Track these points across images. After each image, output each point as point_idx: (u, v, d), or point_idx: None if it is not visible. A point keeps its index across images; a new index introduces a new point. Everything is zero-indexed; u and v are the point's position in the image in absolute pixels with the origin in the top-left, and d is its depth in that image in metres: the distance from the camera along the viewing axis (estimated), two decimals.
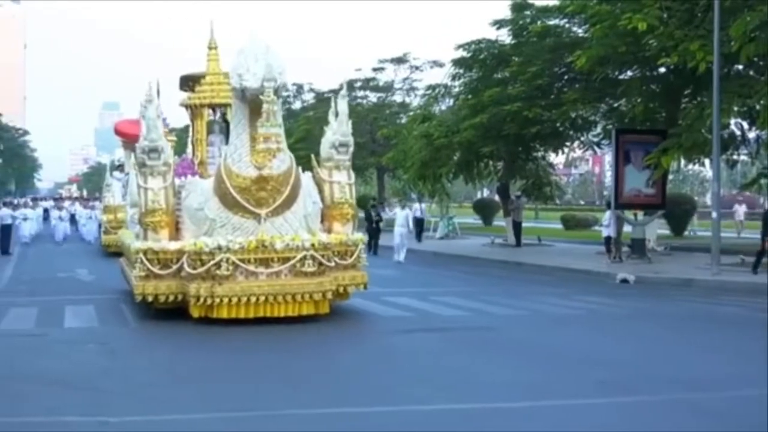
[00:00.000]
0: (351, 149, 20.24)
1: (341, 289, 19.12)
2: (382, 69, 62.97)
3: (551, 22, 35.88)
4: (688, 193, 78.07)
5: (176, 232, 18.72)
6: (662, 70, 31.62)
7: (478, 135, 36.36)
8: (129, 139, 38.77)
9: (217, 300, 17.46)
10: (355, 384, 12.36)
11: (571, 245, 41.91)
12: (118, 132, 41.71)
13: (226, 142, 20.77)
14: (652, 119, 33.99)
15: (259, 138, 17.07)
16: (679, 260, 31.66)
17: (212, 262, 17.57)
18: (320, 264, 18.12)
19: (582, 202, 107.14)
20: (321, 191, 19.73)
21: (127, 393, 11.86)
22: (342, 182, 19.94)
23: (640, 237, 32.52)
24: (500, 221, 48.87)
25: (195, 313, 17.67)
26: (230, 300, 17.46)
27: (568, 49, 33.04)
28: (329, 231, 19.36)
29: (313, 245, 18.01)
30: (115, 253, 32.26)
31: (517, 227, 41.95)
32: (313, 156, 20.74)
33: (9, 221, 41.82)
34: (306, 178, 19.21)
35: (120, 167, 44.21)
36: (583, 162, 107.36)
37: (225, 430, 10.16)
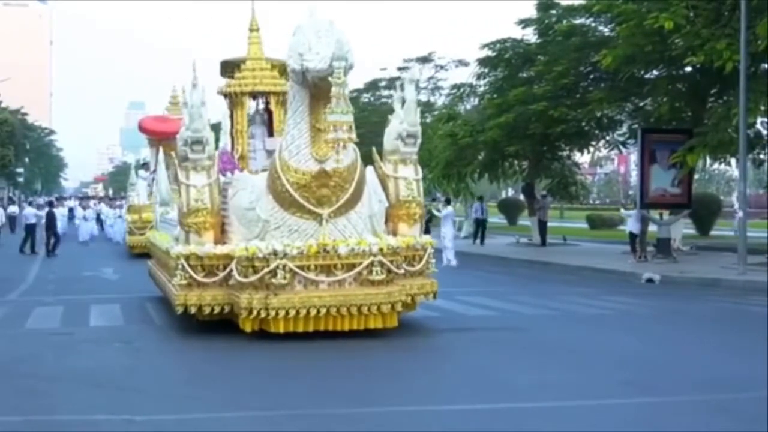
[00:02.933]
0: (419, 141, 17.90)
1: (409, 299, 16.85)
2: (407, 68, 62.91)
3: (577, 21, 35.92)
4: (714, 192, 77.60)
5: (221, 235, 16.67)
6: (688, 69, 31.62)
7: (503, 134, 36.34)
8: (154, 136, 38.83)
9: (273, 313, 15.29)
10: (384, 383, 12.37)
11: (596, 245, 41.80)
12: (142, 128, 40.87)
13: (269, 134, 20.02)
14: (678, 118, 33.85)
15: (328, 127, 14.86)
16: (705, 260, 31.51)
17: (266, 270, 15.45)
18: (389, 271, 16.01)
19: (607, 201, 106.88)
20: (385, 188, 17.42)
21: (153, 392, 11.90)
22: (409, 178, 17.62)
23: (666, 236, 32.35)
24: (525, 221, 48.84)
25: (246, 327, 15.56)
26: (287, 313, 15.33)
27: (594, 48, 33.04)
28: (394, 233, 17.21)
29: (381, 250, 15.92)
30: (140, 254, 32.33)
31: (542, 227, 41.84)
32: (374, 149, 18.53)
33: (33, 220, 41.73)
34: (370, 173, 17.24)
35: (145, 165, 43.17)
36: (608, 161, 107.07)
37: (250, 430, 10.16)
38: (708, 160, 38.21)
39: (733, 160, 36.51)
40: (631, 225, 32.98)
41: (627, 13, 29.47)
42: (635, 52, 29.23)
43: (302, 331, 15.43)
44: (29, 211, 43.48)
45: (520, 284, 25.95)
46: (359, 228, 16.19)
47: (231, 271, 15.92)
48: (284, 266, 15.46)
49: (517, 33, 38.94)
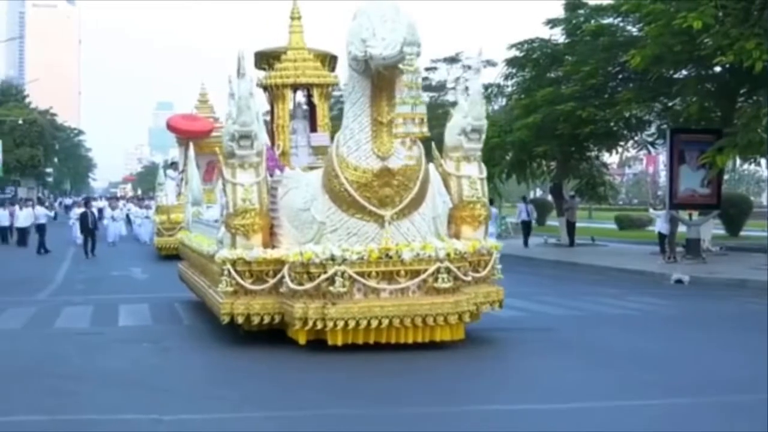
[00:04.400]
0: (484, 136, 16.63)
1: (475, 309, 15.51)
2: (434, 68, 62.83)
3: (605, 21, 35.84)
4: (744, 193, 77.14)
5: (269, 238, 15.32)
6: (718, 69, 31.50)
7: (532, 135, 36.28)
8: (182, 135, 38.34)
9: (330, 324, 14.02)
10: (417, 384, 12.31)
11: (625, 245, 41.64)
12: (171, 127, 40.12)
13: (311, 128, 19.23)
14: (707, 118, 33.63)
15: (396, 119, 13.76)
16: (735, 261, 31.32)
17: (323, 277, 14.20)
18: (455, 278, 14.68)
19: (635, 202, 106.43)
20: (446, 188, 16.12)
21: (181, 391, 11.96)
22: (473, 176, 16.30)
23: (695, 237, 32.21)
24: (553, 221, 48.72)
25: (300, 338, 14.38)
26: (346, 324, 14.03)
27: (622, 48, 32.93)
28: (456, 236, 15.81)
29: (448, 255, 14.57)
30: (168, 256, 32.38)
31: (570, 227, 41.72)
32: (433, 145, 17.03)
33: (43, 220, 41.67)
34: (433, 171, 15.80)
35: (174, 165, 42.42)
36: (636, 162, 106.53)
37: (277, 430, 10.19)
38: (737, 161, 38.00)
39: (763, 161, 36.39)
40: (660, 226, 32.93)
41: (656, 12, 29.35)
42: (664, 52, 29.05)
43: (362, 342, 14.24)
44: (40, 211, 43.46)
45: (548, 285, 25.89)
46: (423, 231, 14.86)
47: (282, 277, 14.67)
48: (343, 273, 14.18)
49: (545, 33, 38.89)
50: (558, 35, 38.30)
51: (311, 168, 16.18)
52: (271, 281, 14.86)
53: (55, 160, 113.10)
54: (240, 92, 15.17)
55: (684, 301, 21.55)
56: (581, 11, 37.39)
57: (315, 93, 19.28)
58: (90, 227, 37.22)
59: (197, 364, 14.07)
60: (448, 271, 14.51)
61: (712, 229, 38.18)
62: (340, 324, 14.01)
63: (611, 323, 17.91)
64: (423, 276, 14.43)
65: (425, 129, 13.75)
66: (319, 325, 14.10)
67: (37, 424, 10.19)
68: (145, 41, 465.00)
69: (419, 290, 14.50)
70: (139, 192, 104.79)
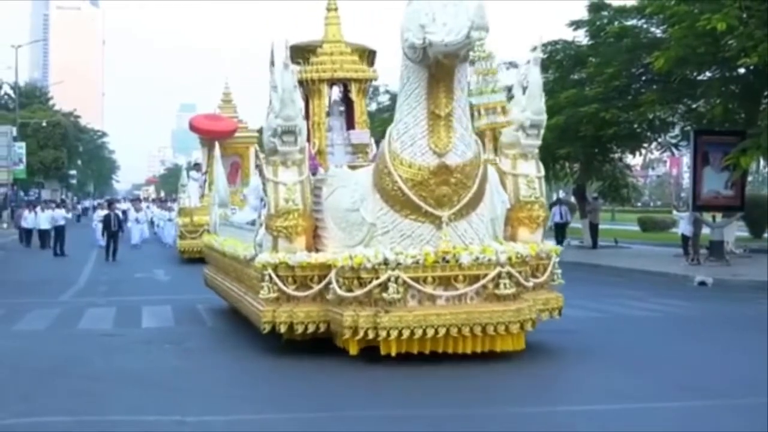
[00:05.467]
0: (542, 132, 15.72)
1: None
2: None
3: (629, 23, 35.72)
4: None
5: (312, 241, 14.35)
6: (742, 70, 31.26)
7: (555, 136, 36.03)
8: (206, 135, 37.70)
9: (383, 333, 13.05)
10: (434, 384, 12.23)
11: (648, 247, 41.53)
12: (194, 128, 38.92)
13: (348, 126, 18.48)
14: (731, 120, 33.55)
15: (479, 109, 13.08)
16: (759, 263, 31.00)
17: (376, 282, 13.22)
18: (517, 284, 13.74)
19: (659, 204, 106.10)
20: (502, 187, 15.12)
21: (204, 392, 11.94)
22: (530, 175, 15.39)
23: (719, 239, 32.05)
24: (576, 223, 48.64)
25: (351, 349, 13.41)
26: (400, 333, 13.05)
27: (646, 49, 32.86)
28: (512, 239, 14.85)
29: (510, 259, 13.63)
30: (191, 259, 32.30)
31: (593, 229, 41.60)
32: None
33: (62, 222, 41.42)
34: (491, 169, 14.71)
35: (197, 166, 41.78)
36: (660, 164, 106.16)
37: (299, 431, 10.20)
38: (762, 162, 37.84)
39: None
40: (684, 227, 32.81)
41: (679, 14, 29.29)
42: (688, 53, 28.98)
43: (417, 352, 13.29)
44: (59, 212, 43.21)
45: (571, 286, 25.56)
46: (481, 233, 13.85)
47: (329, 283, 13.70)
48: (397, 278, 13.18)
49: (568, 35, 38.79)
50: (581, 37, 38.21)
51: (352, 167, 15.37)
52: (316, 287, 13.90)
53: (79, 162, 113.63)
54: (284, 84, 14.16)
55: (707, 303, 21.47)
56: (605, 13, 37.27)
57: (353, 88, 18.33)
58: (113, 230, 36.78)
59: (220, 365, 13.99)
60: (510, 276, 13.57)
61: (735, 231, 38.00)
62: (394, 333, 13.05)
63: (635, 325, 17.82)
64: (483, 281, 13.47)
65: (510, 117, 13.20)
66: (371, 335, 13.15)
67: (60, 425, 10.18)
68: (168, 42, 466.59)
69: (478, 297, 13.55)
70: (162, 194, 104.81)
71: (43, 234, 43.78)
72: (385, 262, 13.24)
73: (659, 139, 40.52)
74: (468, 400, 11.24)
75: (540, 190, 15.42)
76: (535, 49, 16.52)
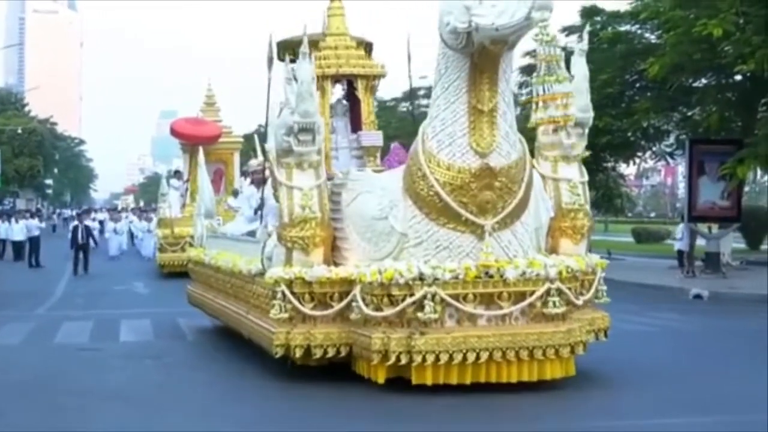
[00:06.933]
0: (586, 132, 14.18)
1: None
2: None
3: (622, 28, 35.65)
4: (765, 205, 76.67)
5: (330, 253, 12.90)
6: (738, 77, 31.34)
7: None
8: (187, 141, 35.78)
9: (418, 357, 11.63)
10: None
11: (642, 259, 41.59)
12: (175, 132, 36.63)
13: (354, 128, 17.15)
14: (727, 128, 33.54)
15: (538, 100, 11.52)
16: (755, 275, 30.90)
17: (410, 300, 11.77)
18: (566, 302, 12.37)
19: (653, 215, 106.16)
20: None
21: (185, 408, 11.73)
22: (573, 180, 13.76)
23: (715, 251, 31.83)
24: None
25: (379, 376, 12.00)
26: (437, 357, 11.62)
27: (640, 56, 32.78)
28: (553, 251, 13.32)
29: (560, 274, 12.20)
30: (172, 273, 31.04)
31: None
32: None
33: (36, 233, 40.67)
34: (535, 172, 13.14)
35: (177, 174, 38.93)
36: (654, 173, 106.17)
37: None
38: (759, 172, 37.59)
39: None
40: (680, 245, 32.61)
41: (675, 19, 29.10)
42: (683, 60, 28.86)
43: (457, 383, 11.83)
44: (33, 222, 42.51)
45: None
46: (525, 245, 12.40)
47: (352, 301, 12.29)
48: (434, 295, 11.73)
49: (561, 40, 38.43)
50: (574, 42, 37.85)
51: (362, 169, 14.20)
52: (337, 306, 12.46)
53: (55, 170, 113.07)
54: (302, 76, 12.83)
55: (705, 317, 21.36)
56: (597, 18, 36.99)
57: (359, 85, 16.90)
58: (81, 242, 35.08)
59: (201, 380, 13.67)
60: (560, 293, 12.16)
61: (731, 242, 37.93)
62: (431, 358, 11.62)
63: (631, 340, 17.29)
64: (530, 299, 12.02)
65: (572, 112, 11.85)
66: (404, 360, 11.72)
67: None
68: (147, 48, 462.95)
69: (523, 316, 12.11)
70: (141, 204, 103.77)
71: (18, 245, 42.51)
72: (421, 277, 11.79)
73: (654, 148, 40.53)
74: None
75: (584, 197, 13.89)
76: (580, 39, 15.22)
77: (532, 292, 11.99)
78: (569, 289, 12.36)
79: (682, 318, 20.90)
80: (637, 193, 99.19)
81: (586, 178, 14.19)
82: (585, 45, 14.36)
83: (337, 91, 17.70)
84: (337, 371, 12.66)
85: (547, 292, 12.02)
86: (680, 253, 32.42)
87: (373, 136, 17.00)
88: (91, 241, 36.32)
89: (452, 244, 11.99)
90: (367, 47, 17.88)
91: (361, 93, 16.94)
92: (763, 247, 47.67)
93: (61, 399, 12.12)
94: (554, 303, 12.02)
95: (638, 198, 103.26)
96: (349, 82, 17.18)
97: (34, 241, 40.03)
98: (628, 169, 55.28)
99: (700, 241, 33.12)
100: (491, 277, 11.87)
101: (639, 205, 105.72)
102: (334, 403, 11.78)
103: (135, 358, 15.31)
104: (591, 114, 14.04)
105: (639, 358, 15.25)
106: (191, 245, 22.22)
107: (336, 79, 16.94)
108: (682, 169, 54.80)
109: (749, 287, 27.11)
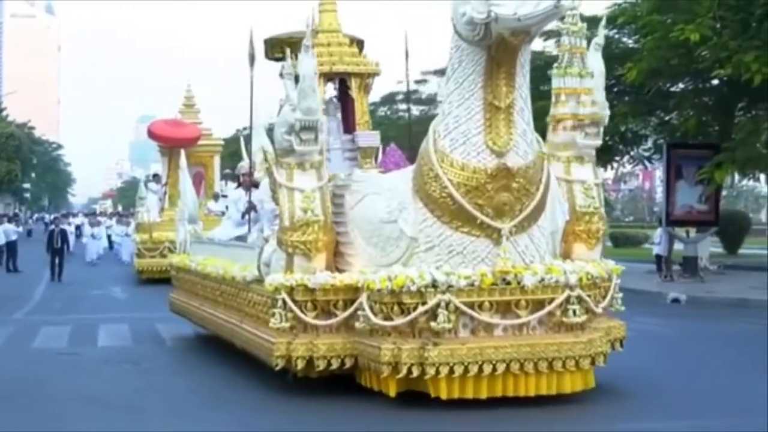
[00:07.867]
0: (601, 129, 13.22)
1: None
2: (425, 81, 62.28)
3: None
4: (743, 209, 76.99)
5: (332, 259, 12.32)
6: (716, 82, 31.30)
7: None
8: (166, 143, 35.23)
9: (431, 370, 10.91)
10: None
11: (620, 263, 41.10)
12: (153, 134, 35.82)
13: (347, 128, 16.50)
14: (705, 133, 33.45)
15: (559, 94, 11.41)
16: (733, 279, 31.00)
17: (422, 309, 11.07)
18: (586, 310, 11.69)
19: (631, 219, 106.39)
20: None
21: (165, 414, 11.66)
22: (588, 182, 13.02)
23: (692, 255, 31.88)
24: None
25: (390, 389, 11.33)
26: (452, 369, 10.92)
27: (618, 60, 32.54)
28: (566, 256, 12.61)
29: (580, 280, 11.55)
30: (151, 279, 30.89)
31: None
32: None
33: (14, 237, 40.29)
34: (552, 173, 12.35)
35: (156, 177, 38.37)
36: (632, 177, 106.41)
37: None
38: (736, 176, 37.68)
39: (762, 176, 36.04)
40: (658, 249, 32.63)
41: (652, 24, 29.05)
42: (661, 64, 28.84)
43: (473, 397, 11.17)
44: (10, 227, 41.81)
45: None
46: (542, 249, 11.75)
47: (358, 309, 11.65)
48: (448, 304, 11.05)
49: (538, 45, 38.48)
50: (551, 47, 37.90)
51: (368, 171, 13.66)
52: (342, 315, 11.85)
53: (33, 175, 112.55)
54: (304, 71, 12.16)
55: (683, 321, 21.25)
56: None
57: (353, 84, 16.29)
58: (56, 247, 34.57)
59: (180, 386, 13.54)
60: (580, 300, 11.51)
61: (709, 246, 37.91)
62: (444, 370, 10.91)
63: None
64: (549, 307, 11.37)
65: (598, 109, 11.39)
66: (415, 372, 11.02)
67: None
68: (126, 53, 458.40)
69: (541, 326, 11.47)
70: (120, 208, 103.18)
71: None
72: (434, 284, 11.07)
73: (631, 152, 40.36)
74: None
75: (599, 200, 13.14)
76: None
77: (552, 300, 11.39)
78: (589, 296, 11.79)
79: (662, 322, 20.80)
80: (614, 197, 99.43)
81: (600, 179, 13.74)
82: (601, 39, 13.66)
83: (328, 90, 17.04)
84: (336, 382, 12.21)
85: (567, 300, 11.44)
86: (658, 257, 32.36)
87: (370, 137, 16.52)
88: (66, 247, 35.92)
89: (466, 249, 11.33)
90: (358, 44, 17.37)
91: (354, 92, 16.42)
92: (741, 251, 47.75)
93: (40, 404, 12.06)
94: (574, 311, 11.45)
95: (616, 202, 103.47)
96: (341, 80, 16.63)
97: (11, 246, 39.69)
98: (605, 174, 55.41)
99: (678, 246, 33.07)
100: (509, 284, 11.24)
101: (617, 209, 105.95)
102: (327, 414, 11.50)
103: (113, 363, 15.23)
104: (607, 112, 13.22)
105: (622, 363, 15.24)
106: (171, 251, 21.81)
107: (329, 77, 16.30)
108: (659, 173, 54.90)
109: (727, 291, 27.07)
